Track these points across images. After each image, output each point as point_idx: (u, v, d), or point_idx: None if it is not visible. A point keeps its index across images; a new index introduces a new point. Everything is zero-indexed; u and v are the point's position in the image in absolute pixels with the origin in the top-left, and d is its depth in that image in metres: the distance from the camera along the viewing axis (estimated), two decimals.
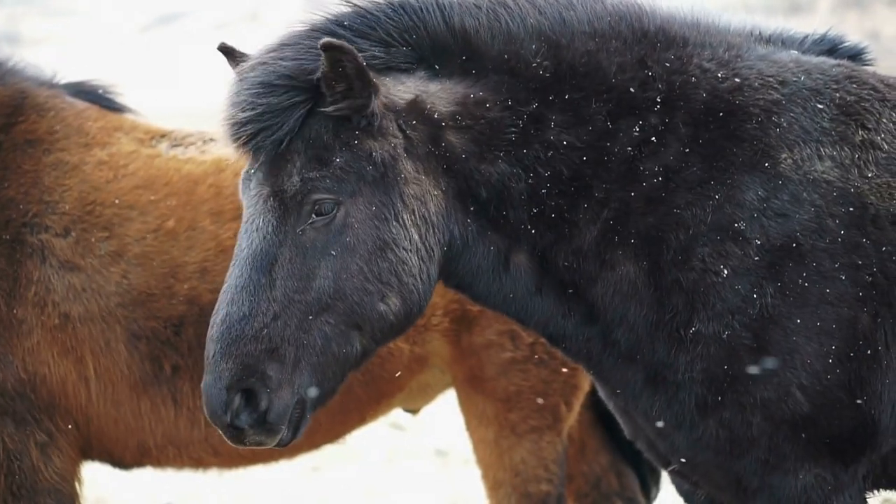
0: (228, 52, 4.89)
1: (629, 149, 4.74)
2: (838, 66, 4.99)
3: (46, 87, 6.55)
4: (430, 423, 10.78)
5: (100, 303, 6.15)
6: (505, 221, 4.75)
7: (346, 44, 4.57)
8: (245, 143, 4.65)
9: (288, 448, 6.37)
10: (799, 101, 4.83)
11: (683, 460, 4.88)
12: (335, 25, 4.74)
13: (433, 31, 4.75)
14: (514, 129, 4.72)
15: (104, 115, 6.55)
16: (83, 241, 6.20)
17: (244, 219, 4.62)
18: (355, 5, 4.80)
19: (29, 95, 6.45)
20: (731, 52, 4.91)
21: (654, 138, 4.75)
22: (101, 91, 6.69)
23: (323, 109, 4.62)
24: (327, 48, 4.55)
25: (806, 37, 5.08)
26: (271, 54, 4.72)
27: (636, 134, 4.75)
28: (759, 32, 5.06)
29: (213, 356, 4.50)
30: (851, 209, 4.74)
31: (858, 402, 4.70)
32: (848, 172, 4.78)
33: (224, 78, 4.78)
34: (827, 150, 4.79)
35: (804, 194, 4.73)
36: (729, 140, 4.77)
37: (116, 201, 6.26)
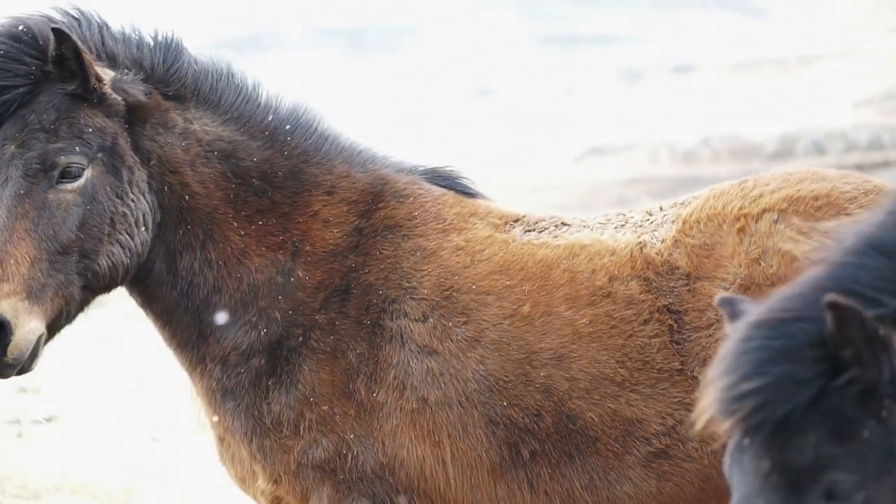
0: (728, 303, 4.44)
1: None
2: None
3: (405, 174, 6.68)
4: None
5: (457, 387, 6.21)
6: None
7: (855, 307, 4.07)
8: (747, 417, 4.19)
9: None
10: None
11: None
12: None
13: None
14: None
15: (460, 201, 6.63)
16: (441, 326, 6.28)
17: (739, 494, 4.22)
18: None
19: (389, 182, 6.59)
20: None
21: None
22: (455, 177, 6.79)
23: (837, 383, 4.13)
24: (833, 307, 4.07)
25: None
26: (782, 314, 4.22)
27: None
28: None
29: None
30: None
31: None
32: None
33: None
34: None
35: None
36: None
37: (473, 286, 6.32)
